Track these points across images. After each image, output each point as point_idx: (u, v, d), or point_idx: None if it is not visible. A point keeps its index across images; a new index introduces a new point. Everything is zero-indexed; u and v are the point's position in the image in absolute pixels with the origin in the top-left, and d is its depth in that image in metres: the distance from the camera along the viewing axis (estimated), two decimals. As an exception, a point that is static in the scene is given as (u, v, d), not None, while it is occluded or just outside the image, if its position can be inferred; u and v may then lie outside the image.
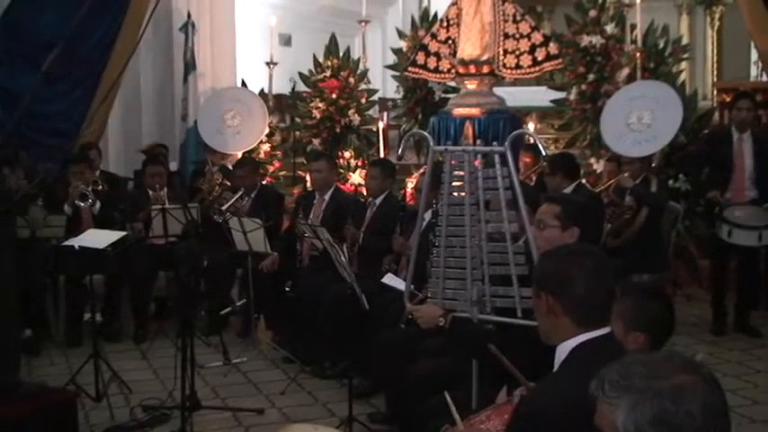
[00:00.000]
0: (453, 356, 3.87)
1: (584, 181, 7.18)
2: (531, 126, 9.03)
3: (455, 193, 3.54)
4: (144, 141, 9.19)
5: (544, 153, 3.85)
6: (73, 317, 6.76)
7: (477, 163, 3.55)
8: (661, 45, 8.40)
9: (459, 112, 7.80)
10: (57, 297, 6.79)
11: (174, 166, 8.88)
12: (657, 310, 2.83)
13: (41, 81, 3.65)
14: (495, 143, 3.59)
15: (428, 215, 4.95)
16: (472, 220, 3.47)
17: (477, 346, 3.19)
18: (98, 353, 5.38)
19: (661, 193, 6.81)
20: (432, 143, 3.74)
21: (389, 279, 5.24)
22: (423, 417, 3.58)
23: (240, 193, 7.05)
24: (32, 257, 6.61)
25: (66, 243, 5.99)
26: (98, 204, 6.95)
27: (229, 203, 6.92)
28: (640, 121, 6.91)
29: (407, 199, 7.22)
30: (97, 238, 5.82)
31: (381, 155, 8.39)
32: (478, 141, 3.78)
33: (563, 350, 2.35)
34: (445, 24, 8.02)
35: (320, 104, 9.23)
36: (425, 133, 4.33)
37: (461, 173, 3.51)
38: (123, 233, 6.25)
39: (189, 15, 9.20)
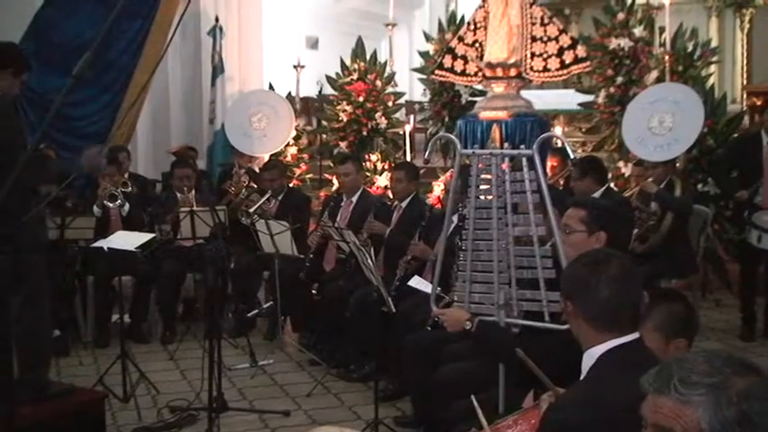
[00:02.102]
0: (479, 360, 3.86)
1: (612, 185, 7.13)
2: (558, 129, 9.00)
3: (482, 197, 3.53)
4: (172, 144, 9.25)
5: (572, 156, 3.82)
6: (101, 318, 6.82)
7: (503, 166, 3.54)
8: (690, 48, 8.32)
9: (486, 115, 7.76)
10: (85, 298, 6.85)
11: (201, 164, 8.93)
12: (686, 311, 2.85)
13: (72, 84, 3.66)
14: (522, 146, 3.58)
15: (455, 218, 4.94)
16: (499, 224, 3.46)
17: (503, 349, 3.18)
18: (126, 354, 5.42)
19: (685, 197, 6.75)
20: (459, 146, 3.73)
21: (416, 282, 5.23)
22: (449, 420, 3.58)
23: (267, 195, 7.08)
24: (61, 258, 6.68)
25: (96, 244, 6.04)
26: (127, 206, 7.00)
27: (256, 206, 6.96)
28: (662, 124, 6.86)
29: (434, 202, 7.21)
30: (126, 240, 5.87)
31: (408, 158, 8.39)
32: (506, 145, 3.76)
33: (590, 356, 2.34)
34: (472, 27, 7.99)
35: (347, 107, 9.23)
36: (452, 137, 4.33)
37: (488, 176, 3.50)
38: (151, 235, 6.31)
39: (217, 19, 9.26)
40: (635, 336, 2.34)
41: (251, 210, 6.90)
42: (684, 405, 1.56)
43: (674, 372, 1.60)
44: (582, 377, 2.37)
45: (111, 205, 6.94)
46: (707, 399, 1.54)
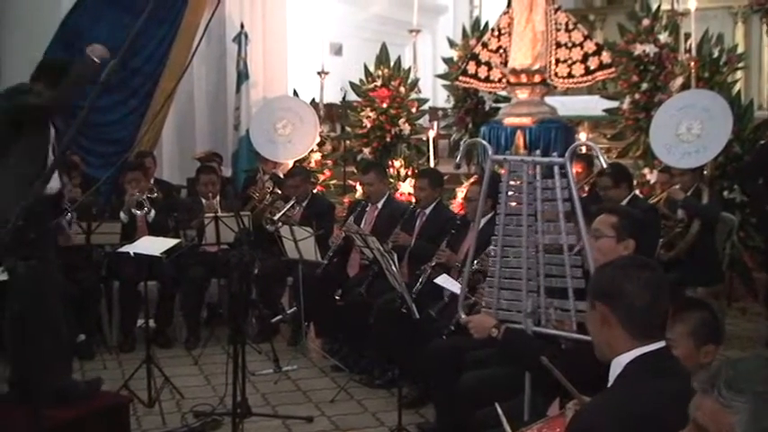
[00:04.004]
0: (504, 367, 3.85)
1: (637, 192, 7.09)
2: (583, 136, 8.95)
3: (512, 203, 3.53)
4: (197, 150, 9.31)
5: (604, 165, 3.80)
6: (126, 322, 6.86)
7: (531, 172, 3.53)
8: (716, 54, 8.28)
9: (510, 121, 7.76)
10: (111, 303, 6.90)
11: (227, 171, 8.97)
12: (713, 317, 2.87)
13: (99, 91, 3.70)
14: (554, 153, 3.56)
15: (483, 220, 4.90)
16: (529, 231, 3.45)
17: (529, 357, 3.17)
18: (151, 358, 5.44)
19: (713, 204, 6.69)
20: (490, 152, 3.73)
21: (443, 280, 5.21)
22: (473, 428, 3.57)
23: (292, 202, 7.10)
24: (87, 263, 6.74)
25: (122, 249, 6.09)
26: (152, 212, 7.05)
27: (281, 213, 6.98)
28: (690, 131, 6.82)
29: (459, 209, 7.20)
30: (152, 245, 5.90)
31: (431, 164, 8.39)
32: (537, 152, 3.74)
33: (618, 364, 2.32)
34: (496, 33, 8.00)
35: (371, 114, 9.25)
36: (484, 142, 4.33)
37: (517, 182, 3.49)
38: (177, 240, 6.33)
39: (242, 26, 9.31)
40: (662, 344, 2.32)
41: (276, 217, 6.93)
42: (724, 408, 1.55)
43: (722, 374, 1.58)
44: (609, 385, 2.35)
45: (138, 213, 6.98)
46: (748, 406, 1.52)
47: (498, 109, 8.82)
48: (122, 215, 6.94)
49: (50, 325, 4.56)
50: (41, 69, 4.70)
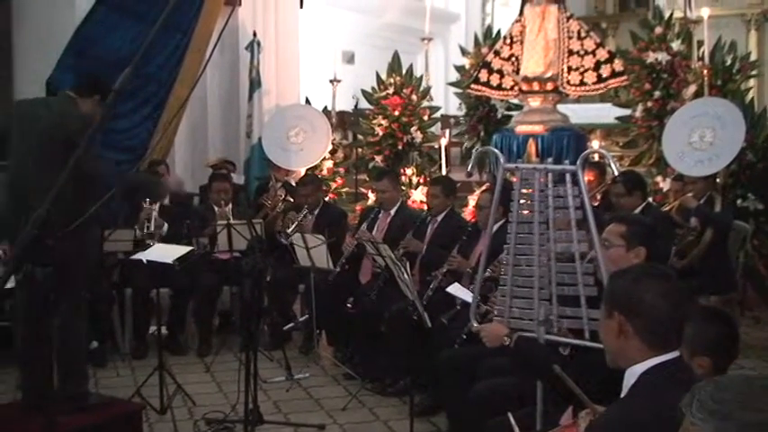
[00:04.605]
0: (517, 376, 3.84)
1: (650, 199, 7.08)
2: (595, 143, 8.95)
3: (524, 212, 3.52)
4: (210, 157, 9.33)
5: (616, 173, 3.80)
6: (139, 329, 6.88)
7: (542, 180, 3.53)
8: (729, 62, 8.26)
9: (522, 129, 7.78)
10: (123, 310, 6.92)
11: (239, 179, 8.99)
12: (719, 333, 2.82)
13: (113, 99, 3.72)
14: (566, 161, 3.55)
15: (496, 226, 4.90)
16: (540, 239, 3.44)
17: (542, 366, 3.16)
18: (163, 365, 5.44)
19: (726, 212, 6.67)
20: (502, 160, 3.73)
21: (455, 289, 5.21)
22: (485, 436, 3.55)
23: (304, 212, 7.08)
24: (100, 270, 6.75)
25: (135, 257, 6.10)
26: (165, 226, 6.99)
27: (294, 225, 6.97)
28: (702, 139, 6.80)
29: (470, 217, 7.19)
30: (164, 253, 5.92)
31: (443, 172, 8.39)
32: (549, 160, 3.74)
33: (632, 374, 2.31)
34: (508, 41, 8.02)
35: (383, 121, 9.26)
36: (496, 151, 4.33)
37: (529, 191, 3.49)
38: (189, 248, 6.35)
39: (255, 34, 9.34)
40: (676, 354, 2.31)
41: (289, 230, 6.93)
42: (693, 427, 1.52)
43: (698, 393, 1.56)
44: (622, 395, 2.34)
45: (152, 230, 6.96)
46: (711, 425, 1.49)
47: (510, 117, 8.84)
48: (137, 232, 6.86)
49: (70, 333, 4.59)
50: (86, 85, 4.73)
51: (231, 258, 6.92)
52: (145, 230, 6.80)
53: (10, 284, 4.86)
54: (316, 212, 7.20)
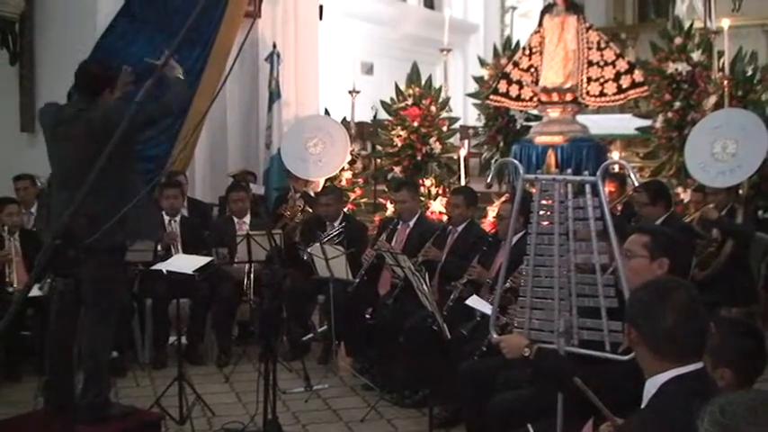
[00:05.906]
0: (537, 388, 3.82)
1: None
2: (615, 154, 8.92)
3: (544, 223, 3.51)
4: (229, 168, 9.37)
5: (636, 183, 3.78)
6: (159, 339, 6.90)
7: (562, 191, 3.51)
8: (749, 72, 8.22)
9: (541, 140, 7.76)
10: (143, 320, 6.94)
11: (259, 189, 9.01)
12: (742, 345, 2.78)
13: (135, 111, 3.76)
14: (585, 172, 3.54)
15: (516, 237, 4.89)
16: (561, 250, 3.43)
17: (562, 378, 3.15)
18: (182, 376, 5.46)
19: (747, 224, 6.62)
20: (521, 171, 3.72)
21: (474, 302, 5.20)
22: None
23: (333, 234, 7.00)
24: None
25: (155, 267, 6.13)
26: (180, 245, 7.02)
27: (326, 239, 6.94)
28: (725, 150, 6.76)
29: (490, 228, 7.18)
30: (184, 263, 5.95)
31: (462, 183, 8.38)
32: (568, 171, 3.73)
33: (652, 385, 2.31)
34: (528, 52, 8.02)
35: (401, 132, 9.27)
36: (516, 162, 4.33)
37: (549, 202, 3.48)
38: (209, 258, 6.37)
39: (274, 45, 9.38)
40: (699, 365, 2.30)
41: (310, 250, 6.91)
42: None
43: (709, 406, 1.56)
44: (643, 406, 2.33)
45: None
46: None
47: (529, 127, 8.82)
48: (159, 251, 6.89)
49: (95, 342, 4.61)
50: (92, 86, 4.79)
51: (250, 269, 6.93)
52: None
53: (34, 293, 4.91)
54: (336, 224, 7.17)
